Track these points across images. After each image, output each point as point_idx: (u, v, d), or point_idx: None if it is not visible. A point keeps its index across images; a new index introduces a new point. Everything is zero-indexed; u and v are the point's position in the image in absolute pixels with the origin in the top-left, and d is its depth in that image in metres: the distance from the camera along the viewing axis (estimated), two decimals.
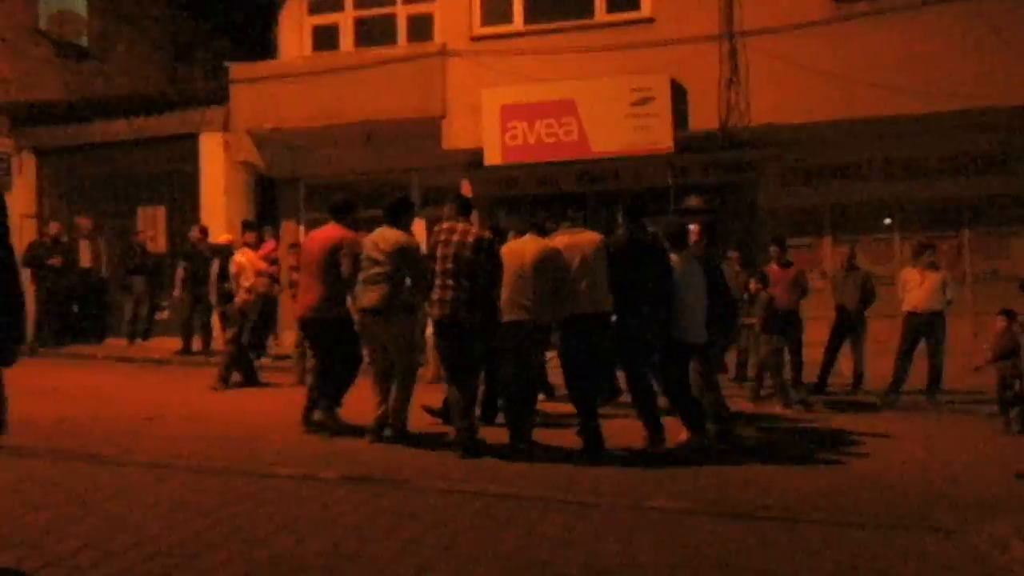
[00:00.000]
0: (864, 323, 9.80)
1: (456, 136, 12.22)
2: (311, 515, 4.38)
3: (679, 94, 11.31)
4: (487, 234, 6.39)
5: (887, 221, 12.23)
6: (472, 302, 6.03)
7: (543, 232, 6.52)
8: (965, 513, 4.82)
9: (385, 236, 6.35)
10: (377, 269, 6.26)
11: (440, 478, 5.36)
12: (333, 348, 6.80)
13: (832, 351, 9.82)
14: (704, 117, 11.33)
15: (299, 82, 12.67)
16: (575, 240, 6.36)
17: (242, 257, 9.73)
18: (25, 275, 12.54)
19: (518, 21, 12.29)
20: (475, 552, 3.85)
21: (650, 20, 11.65)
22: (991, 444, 7.28)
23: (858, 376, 9.79)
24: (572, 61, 11.60)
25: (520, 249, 6.26)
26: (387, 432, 6.43)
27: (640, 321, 6.30)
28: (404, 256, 6.28)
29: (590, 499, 4.90)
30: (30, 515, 4.21)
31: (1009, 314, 8.31)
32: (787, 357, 9.47)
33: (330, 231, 6.80)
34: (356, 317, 6.75)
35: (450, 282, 6.03)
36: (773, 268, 9.52)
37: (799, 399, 9.09)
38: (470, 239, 6.09)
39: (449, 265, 6.04)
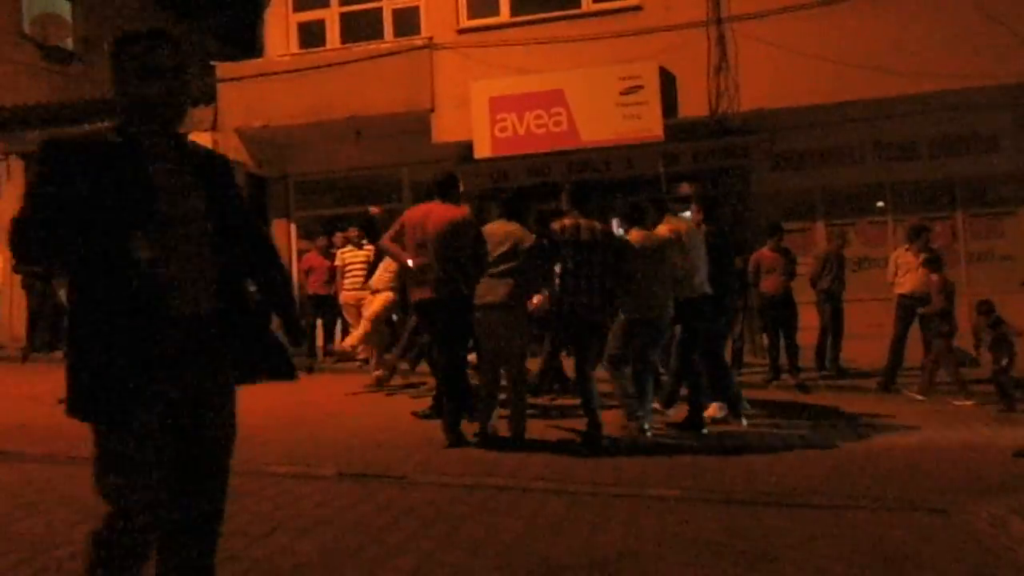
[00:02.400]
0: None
1: (445, 129, 12.18)
2: (309, 512, 4.36)
3: (668, 82, 11.29)
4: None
5: (880, 204, 12.23)
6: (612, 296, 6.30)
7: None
8: (963, 493, 4.82)
9: (509, 230, 6.18)
10: (505, 264, 6.06)
11: (438, 472, 5.34)
12: (448, 333, 6.27)
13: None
14: (694, 104, 11.31)
15: (286, 79, 12.61)
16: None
17: None
18: (14, 281, 12.49)
19: (504, 12, 12.24)
20: (475, 544, 3.83)
21: (637, 8, 11.61)
22: (987, 424, 7.29)
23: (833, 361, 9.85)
24: (560, 51, 11.56)
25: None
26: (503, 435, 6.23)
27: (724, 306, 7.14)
28: (532, 251, 6.15)
29: (588, 488, 4.89)
30: (24, 520, 4.18)
31: (986, 308, 8.29)
32: (782, 342, 9.49)
33: (448, 209, 6.27)
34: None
35: (596, 282, 6.14)
36: (766, 253, 9.50)
37: (797, 383, 9.11)
38: (604, 231, 6.26)
39: (596, 266, 6.13)
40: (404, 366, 9.56)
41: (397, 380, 9.53)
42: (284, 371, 2.61)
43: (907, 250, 9.35)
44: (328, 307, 11.32)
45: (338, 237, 11.32)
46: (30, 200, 2.20)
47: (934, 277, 8.66)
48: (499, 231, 6.19)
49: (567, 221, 6.19)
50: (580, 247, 6.09)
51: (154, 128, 2.33)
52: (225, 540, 3.83)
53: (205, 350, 2.32)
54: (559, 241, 6.12)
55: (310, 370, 10.81)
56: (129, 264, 2.12)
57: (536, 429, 6.49)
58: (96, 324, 2.15)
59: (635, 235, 6.49)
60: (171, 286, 2.22)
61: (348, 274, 10.58)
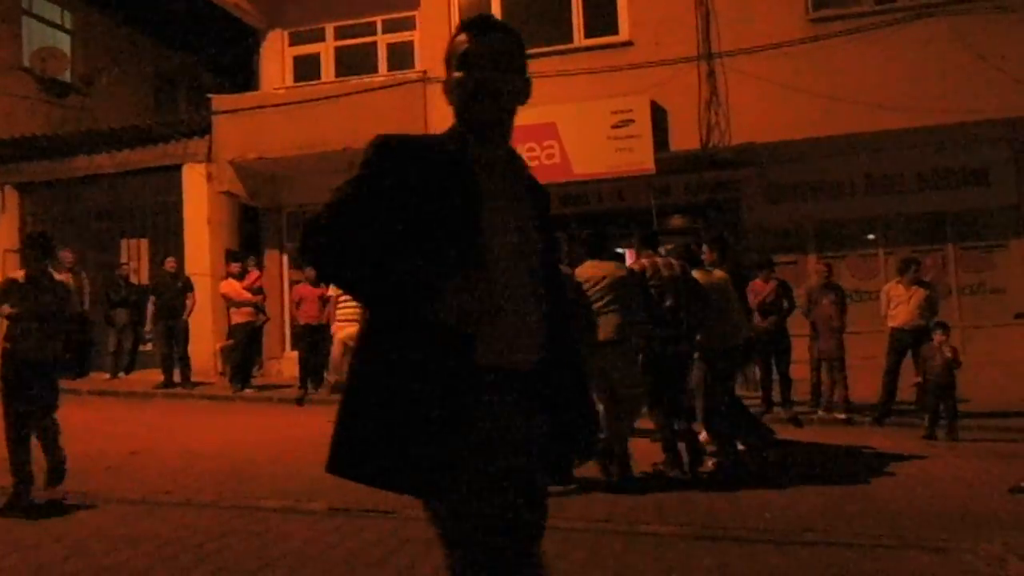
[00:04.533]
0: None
1: None
2: (300, 547, 4.31)
3: (659, 115, 11.38)
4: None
5: (871, 237, 12.29)
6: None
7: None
8: (958, 530, 4.79)
9: (602, 267, 6.20)
10: (607, 301, 6.05)
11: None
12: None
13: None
14: (685, 137, 11.40)
15: (281, 112, 12.68)
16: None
17: None
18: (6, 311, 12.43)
19: None
20: None
21: (629, 43, 11.74)
22: (980, 459, 7.26)
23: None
24: (552, 85, 11.65)
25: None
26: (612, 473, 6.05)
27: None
28: (628, 286, 6.22)
29: (582, 524, 4.84)
30: (12, 557, 4.13)
31: (943, 327, 8.57)
32: (775, 376, 9.47)
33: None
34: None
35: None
36: (759, 284, 9.50)
37: (790, 416, 9.07)
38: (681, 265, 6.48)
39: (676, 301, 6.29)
40: None
41: None
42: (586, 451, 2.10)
43: (898, 283, 9.38)
44: (320, 337, 11.28)
45: None
46: (335, 199, 1.91)
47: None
48: (590, 271, 6.18)
49: (644, 261, 6.44)
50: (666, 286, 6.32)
51: (484, 136, 1.96)
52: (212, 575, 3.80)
53: (533, 412, 1.89)
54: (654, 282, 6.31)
55: (300, 402, 10.76)
56: (440, 306, 1.74)
57: None
58: (394, 369, 1.80)
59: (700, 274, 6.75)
60: (492, 334, 1.80)
61: (340, 305, 10.56)
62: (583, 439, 2.05)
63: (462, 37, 1.95)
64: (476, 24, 1.97)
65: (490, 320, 1.77)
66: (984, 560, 4.19)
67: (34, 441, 5.46)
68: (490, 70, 1.91)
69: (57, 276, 7.66)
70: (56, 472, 5.48)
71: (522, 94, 2.02)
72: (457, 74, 1.93)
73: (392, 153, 1.89)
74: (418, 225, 1.83)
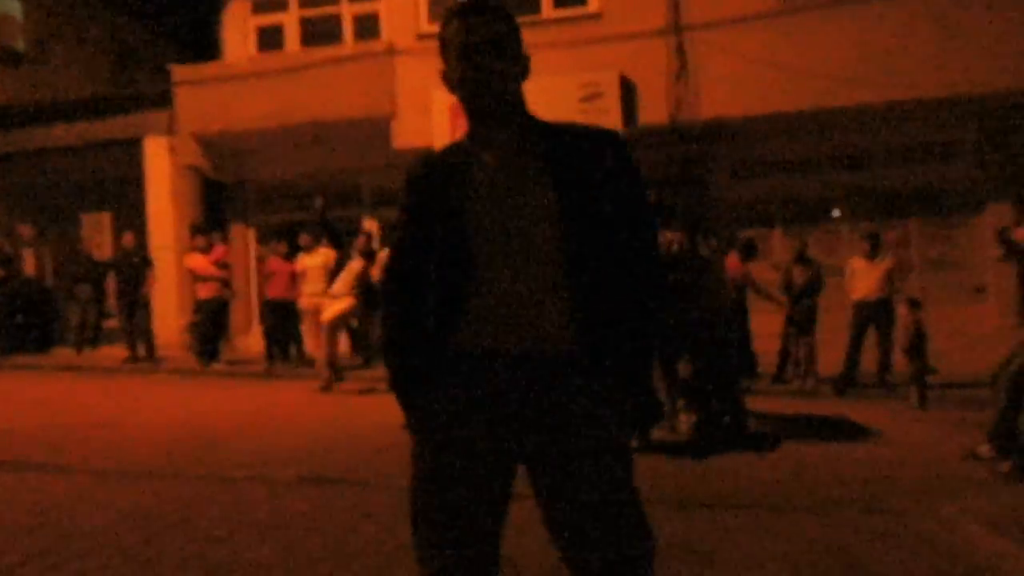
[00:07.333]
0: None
1: (406, 135, 12.13)
2: (269, 516, 4.30)
3: (628, 89, 11.37)
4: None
5: (836, 212, 12.43)
6: None
7: None
8: (917, 495, 4.90)
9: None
10: None
11: (399, 477, 5.28)
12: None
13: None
14: (654, 111, 11.40)
15: (245, 83, 12.49)
16: None
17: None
18: None
19: None
20: None
21: (597, 16, 11.70)
22: (937, 427, 7.43)
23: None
24: None
25: None
26: None
27: None
28: None
29: None
30: None
31: (913, 303, 8.76)
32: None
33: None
34: None
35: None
36: (732, 260, 9.56)
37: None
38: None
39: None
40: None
41: (356, 385, 9.49)
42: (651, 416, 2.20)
43: (861, 257, 9.52)
44: (288, 312, 11.19)
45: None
46: (392, 245, 2.09)
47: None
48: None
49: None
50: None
51: (489, 120, 1.93)
52: (182, 546, 3.79)
53: (551, 399, 1.82)
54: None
55: (267, 375, 10.71)
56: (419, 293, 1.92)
57: None
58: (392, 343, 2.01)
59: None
60: (474, 318, 1.84)
61: (307, 279, 10.49)
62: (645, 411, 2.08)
63: (454, 25, 1.89)
64: (466, 10, 1.89)
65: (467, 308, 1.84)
66: (939, 523, 4.30)
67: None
68: (483, 58, 1.87)
69: None
70: None
71: (520, 76, 1.98)
72: (453, 64, 1.92)
73: (415, 178, 1.99)
74: (427, 237, 1.91)
